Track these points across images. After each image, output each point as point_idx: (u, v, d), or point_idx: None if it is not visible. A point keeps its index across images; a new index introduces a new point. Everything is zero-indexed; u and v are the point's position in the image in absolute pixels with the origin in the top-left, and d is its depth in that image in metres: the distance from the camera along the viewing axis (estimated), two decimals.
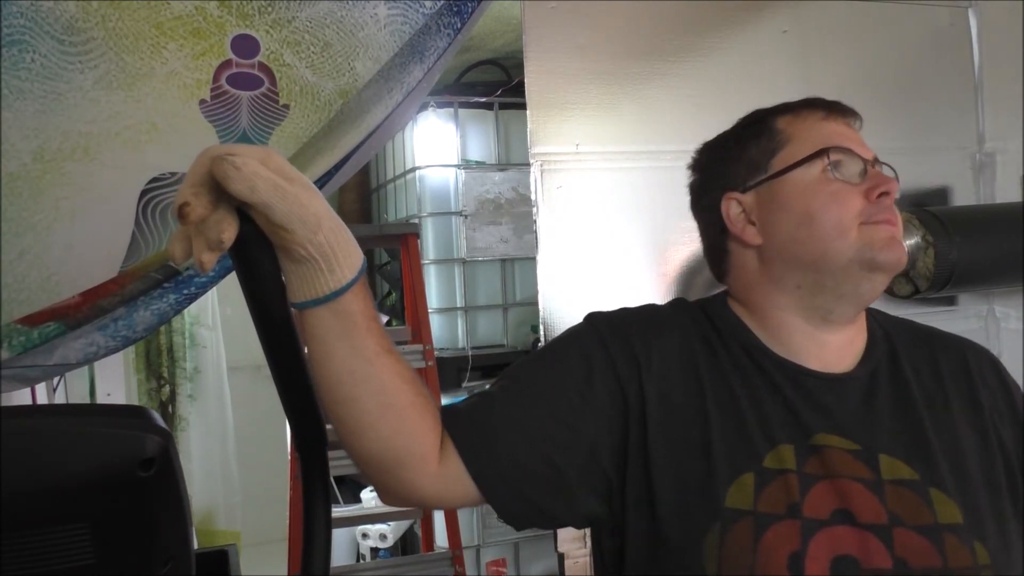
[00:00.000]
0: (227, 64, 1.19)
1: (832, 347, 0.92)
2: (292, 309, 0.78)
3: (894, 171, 0.96)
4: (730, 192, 0.97)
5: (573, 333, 0.96)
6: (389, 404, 0.81)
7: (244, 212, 0.72)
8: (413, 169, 3.44)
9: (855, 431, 0.86)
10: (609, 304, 1.03)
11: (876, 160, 0.93)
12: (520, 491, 0.86)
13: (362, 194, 4.36)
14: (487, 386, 0.96)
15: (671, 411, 0.87)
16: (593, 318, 0.98)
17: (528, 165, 2.10)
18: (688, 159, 1.10)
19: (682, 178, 1.12)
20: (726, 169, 0.98)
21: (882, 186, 0.88)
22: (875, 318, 1.00)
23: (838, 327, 0.92)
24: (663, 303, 1.02)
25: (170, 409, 3.13)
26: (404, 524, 3.17)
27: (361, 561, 3.34)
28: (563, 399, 0.88)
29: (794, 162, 0.91)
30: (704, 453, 0.84)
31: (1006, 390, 0.96)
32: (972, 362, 0.97)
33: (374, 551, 3.28)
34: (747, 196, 0.95)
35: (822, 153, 0.90)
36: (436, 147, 3.39)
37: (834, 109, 0.96)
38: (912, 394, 0.91)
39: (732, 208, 0.96)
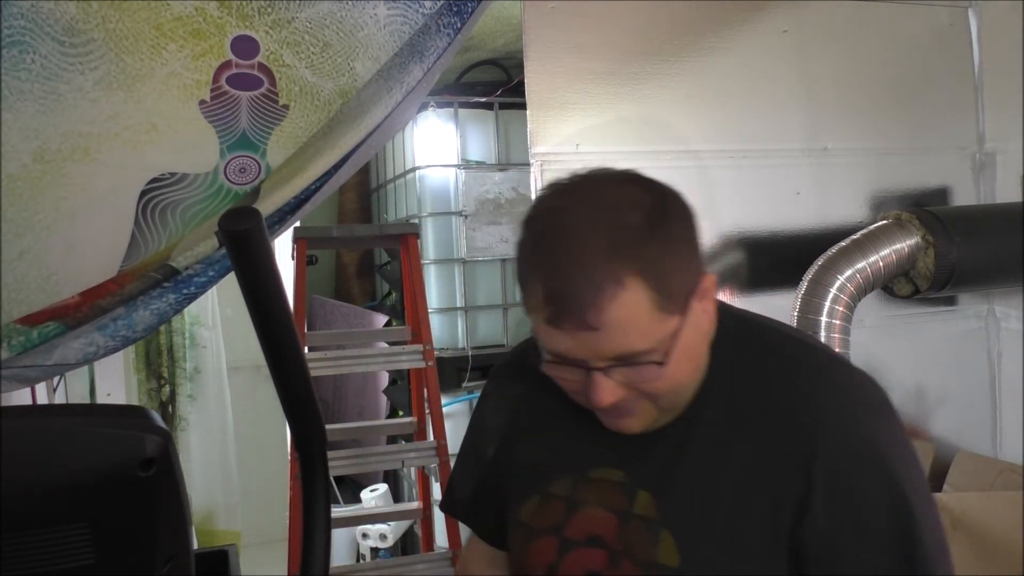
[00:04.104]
0: (227, 65, 1.19)
1: None
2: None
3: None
4: None
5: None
6: None
7: (247, 209, 0.72)
8: (413, 169, 3.44)
9: (630, 465, 0.93)
10: None
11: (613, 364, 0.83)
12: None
13: (362, 194, 4.36)
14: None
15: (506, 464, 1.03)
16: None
17: (528, 165, 2.10)
18: (687, 159, 1.12)
19: (681, 178, 1.12)
20: None
21: (595, 401, 0.85)
22: (727, 360, 0.91)
23: None
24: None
25: (170, 409, 3.13)
26: (404, 524, 3.17)
27: (361, 561, 3.34)
28: None
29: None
30: (512, 481, 1.01)
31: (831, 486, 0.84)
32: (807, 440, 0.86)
33: (374, 551, 3.28)
34: None
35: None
36: (436, 147, 3.38)
37: (554, 324, 0.82)
38: (696, 434, 0.90)
39: None
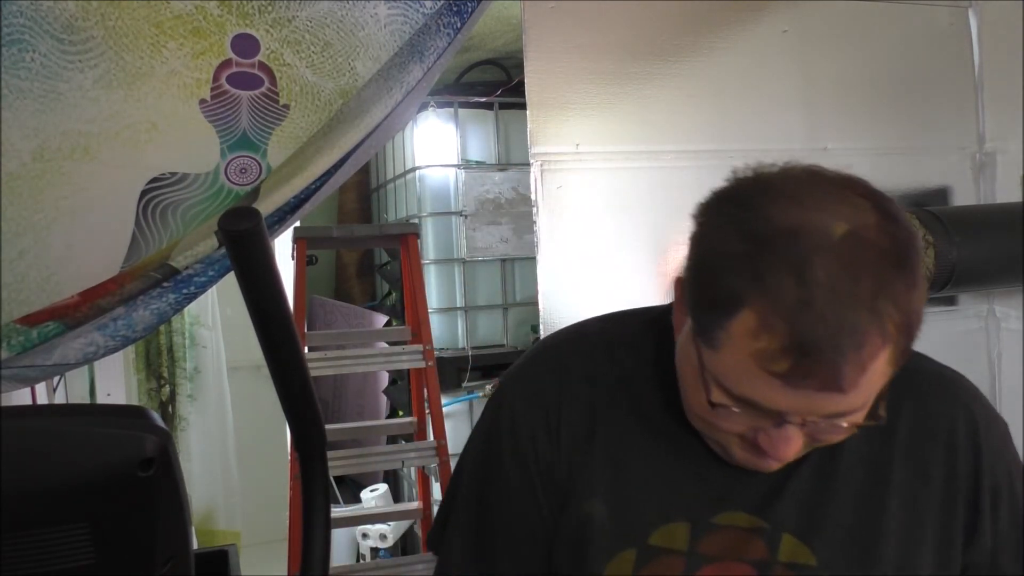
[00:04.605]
0: (227, 63, 1.19)
1: None
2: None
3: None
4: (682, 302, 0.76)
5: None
6: None
7: (247, 209, 0.72)
8: (413, 169, 3.45)
9: (764, 507, 0.78)
10: (608, 304, 1.02)
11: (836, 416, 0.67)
12: None
13: (362, 194, 4.36)
14: (487, 387, 0.94)
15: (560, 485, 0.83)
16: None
17: (528, 165, 2.10)
18: (687, 159, 1.09)
19: (681, 178, 1.11)
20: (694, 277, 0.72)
21: (776, 454, 0.71)
22: None
23: None
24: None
25: (170, 409, 3.13)
26: (404, 524, 3.17)
27: (361, 561, 3.34)
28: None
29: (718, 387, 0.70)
30: (585, 525, 0.81)
31: (974, 465, 0.81)
32: (949, 424, 0.82)
33: (374, 551, 3.28)
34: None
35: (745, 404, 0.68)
36: (436, 147, 3.39)
37: (789, 381, 0.64)
38: (843, 464, 0.80)
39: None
